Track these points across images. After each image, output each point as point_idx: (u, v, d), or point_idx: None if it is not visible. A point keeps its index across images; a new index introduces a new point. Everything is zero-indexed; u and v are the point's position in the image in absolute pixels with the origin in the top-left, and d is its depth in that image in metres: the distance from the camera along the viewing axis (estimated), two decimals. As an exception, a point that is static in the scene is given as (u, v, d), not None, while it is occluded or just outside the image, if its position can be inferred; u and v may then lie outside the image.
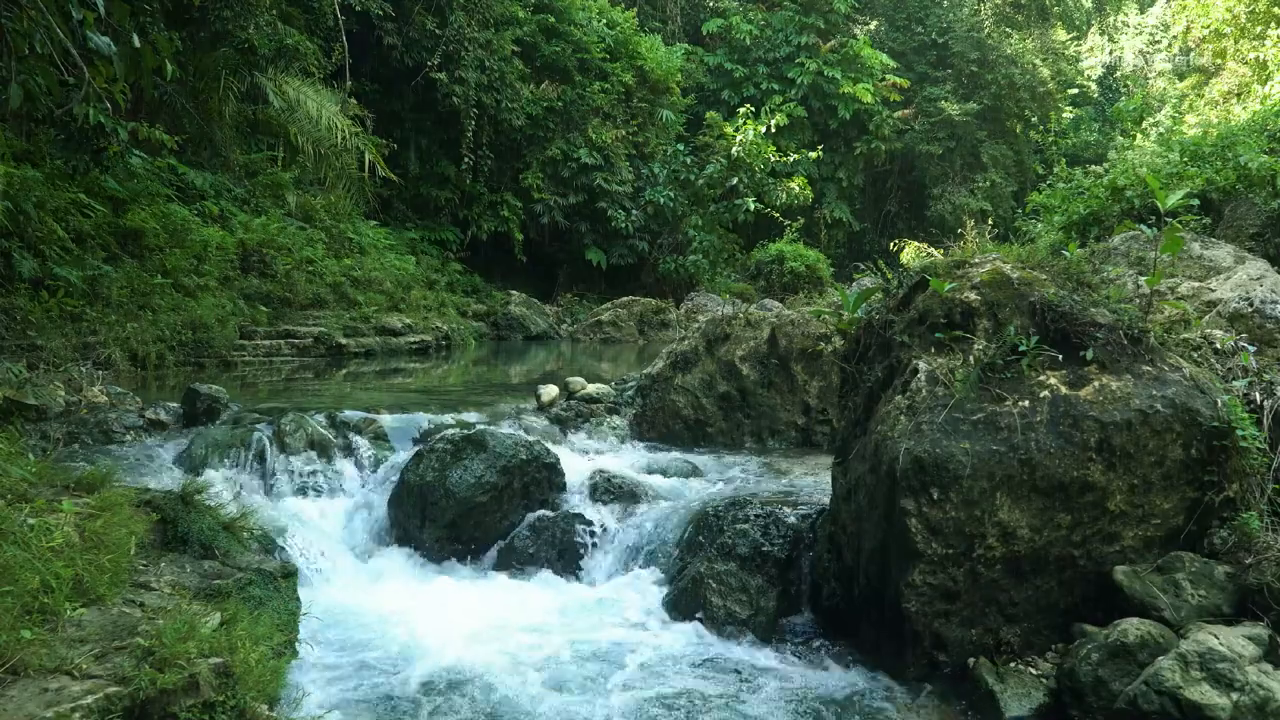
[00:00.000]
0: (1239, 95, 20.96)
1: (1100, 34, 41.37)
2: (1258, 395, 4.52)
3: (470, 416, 7.37)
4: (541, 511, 6.15)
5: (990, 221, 23.02)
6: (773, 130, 25.22)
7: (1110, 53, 40.46)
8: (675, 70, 24.07)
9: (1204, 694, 3.51)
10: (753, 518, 5.40)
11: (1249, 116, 14.67)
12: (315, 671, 4.26)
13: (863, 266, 6.84)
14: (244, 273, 12.06)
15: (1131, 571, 4.12)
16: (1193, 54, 24.86)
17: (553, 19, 21.25)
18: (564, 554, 5.85)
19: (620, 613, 5.20)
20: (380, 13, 17.33)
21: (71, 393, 7.05)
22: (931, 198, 31.48)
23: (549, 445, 6.72)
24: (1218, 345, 4.83)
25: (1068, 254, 4.94)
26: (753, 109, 24.83)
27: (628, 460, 7.23)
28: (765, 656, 4.64)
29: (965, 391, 4.32)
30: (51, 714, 2.77)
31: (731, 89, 30.22)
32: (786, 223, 23.72)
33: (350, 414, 7.04)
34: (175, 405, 7.04)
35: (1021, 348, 4.38)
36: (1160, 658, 3.69)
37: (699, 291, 20.75)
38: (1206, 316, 5.48)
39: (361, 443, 6.75)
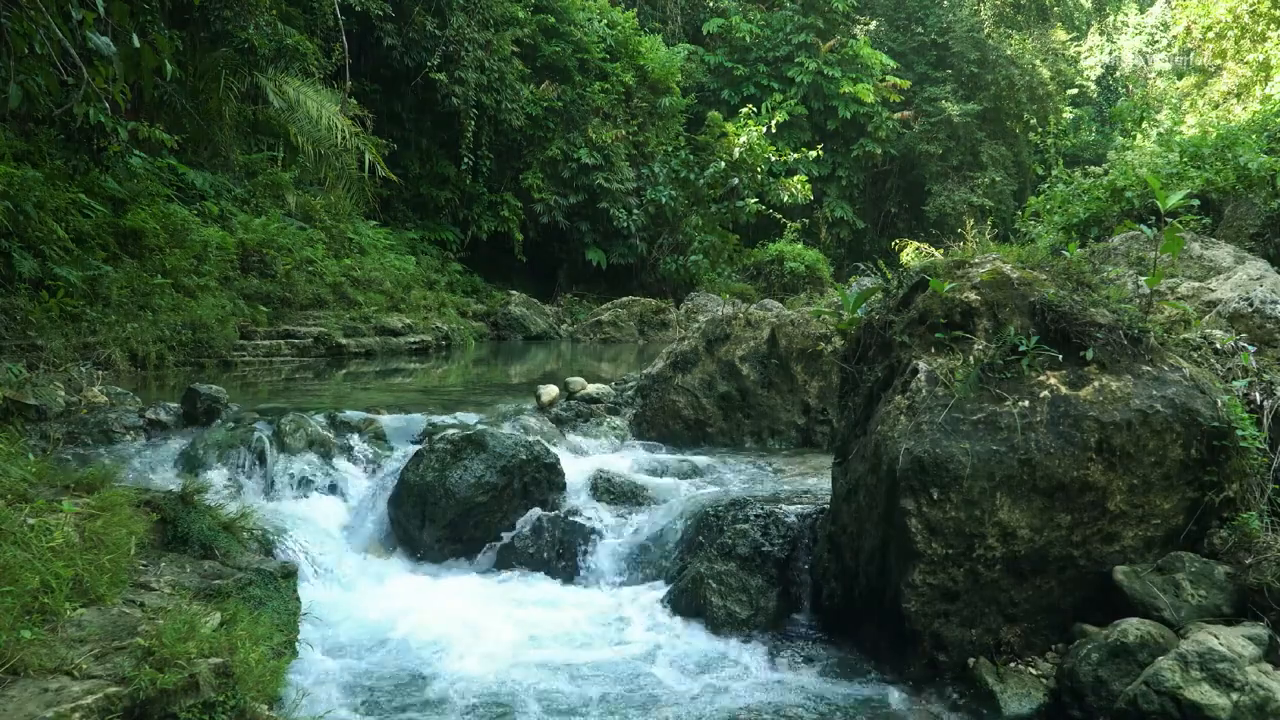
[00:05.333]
0: (1239, 95, 20.96)
1: (1100, 34, 41.37)
2: (1258, 395, 4.52)
3: (470, 416, 7.37)
4: (541, 512, 6.14)
5: (990, 221, 23.05)
6: (773, 129, 25.25)
7: (1110, 53, 40.44)
8: (675, 70, 24.08)
9: (1204, 694, 3.51)
10: (753, 518, 5.40)
11: (1249, 116, 14.67)
12: (315, 671, 4.26)
13: (863, 266, 6.85)
14: (244, 273, 12.05)
15: (1131, 571, 4.12)
16: (1193, 54, 24.86)
17: (553, 19, 21.25)
18: (564, 554, 5.85)
19: (620, 613, 5.21)
20: (380, 13, 17.33)
21: (71, 393, 7.05)
22: (931, 196, 31.49)
23: (549, 445, 6.72)
24: (1218, 345, 4.83)
25: (1068, 254, 4.94)
26: (754, 109, 24.85)
27: (628, 460, 7.23)
28: (765, 657, 4.64)
29: (965, 391, 4.32)
30: (51, 714, 2.77)
31: (731, 89, 30.24)
32: (787, 222, 23.74)
33: (350, 414, 7.03)
34: (175, 405, 7.04)
35: (1021, 348, 4.38)
36: (1160, 658, 3.69)
37: (699, 291, 20.76)
38: (1206, 316, 5.48)
39: (361, 443, 6.74)
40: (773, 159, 22.82)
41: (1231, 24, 21.37)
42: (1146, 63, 36.78)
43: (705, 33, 30.95)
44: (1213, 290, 6.24)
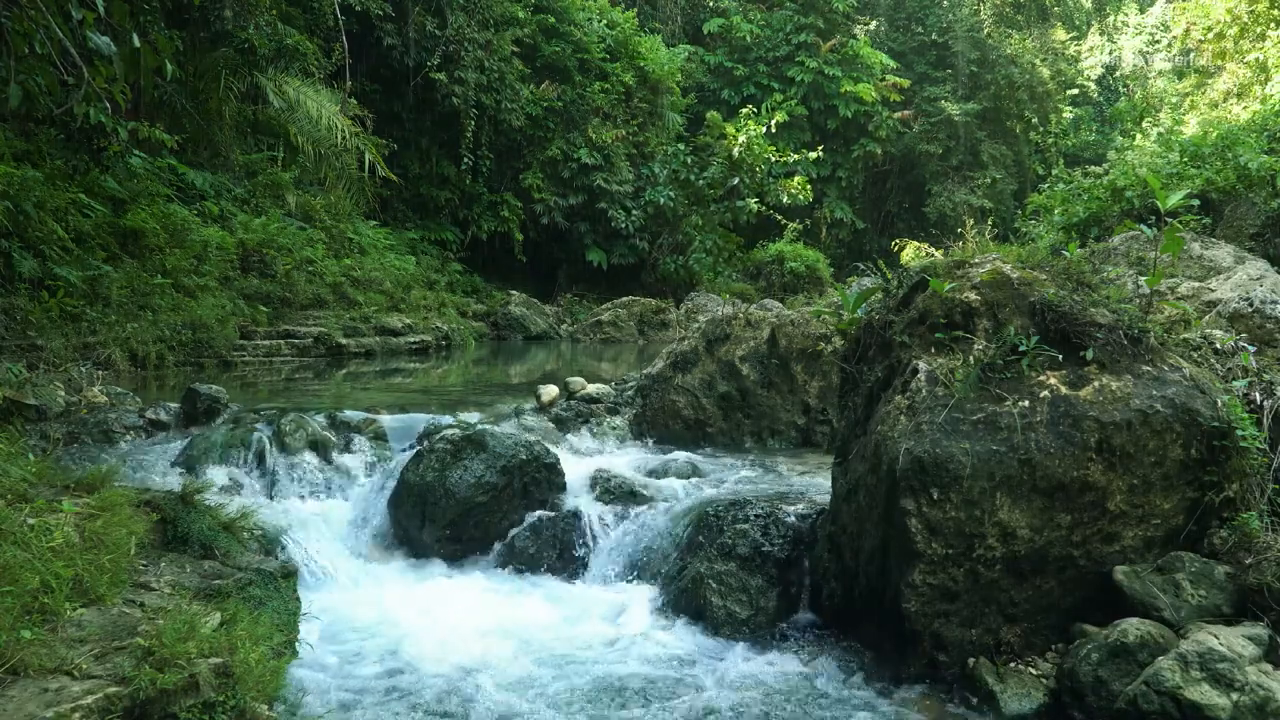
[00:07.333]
0: (1239, 95, 20.95)
1: (1100, 34, 41.38)
2: (1258, 395, 4.52)
3: (470, 416, 7.37)
4: (541, 512, 6.15)
5: (990, 221, 23.04)
6: (773, 130, 25.25)
7: (1110, 53, 40.45)
8: (675, 70, 24.09)
9: (1204, 694, 3.51)
10: (753, 518, 5.40)
11: (1249, 116, 14.67)
12: (315, 671, 4.26)
13: (862, 266, 6.85)
14: (244, 273, 12.06)
15: (1131, 571, 4.12)
16: (1193, 54, 24.86)
17: (553, 19, 21.25)
18: (564, 554, 5.85)
19: (620, 613, 5.20)
20: (380, 13, 17.34)
21: (71, 393, 7.05)
22: (931, 196, 31.50)
23: (549, 445, 6.72)
24: (1218, 345, 4.83)
25: (1068, 254, 4.94)
26: (754, 109, 24.86)
27: (628, 460, 7.23)
28: (765, 657, 4.64)
29: (965, 391, 4.32)
30: (51, 714, 2.77)
31: (731, 89, 30.27)
32: (787, 223, 23.73)
33: (350, 414, 7.03)
34: (175, 405, 7.04)
35: (1021, 348, 4.38)
36: (1160, 658, 3.69)
37: (699, 291, 20.76)
38: (1206, 316, 5.48)
39: (361, 443, 6.74)
40: (773, 159, 22.82)
41: (1231, 24, 21.37)
42: (1147, 63, 36.76)
43: (705, 33, 30.97)
44: (1213, 290, 6.24)
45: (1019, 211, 22.73)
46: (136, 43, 4.40)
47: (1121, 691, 3.70)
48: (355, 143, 15.86)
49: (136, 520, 4.29)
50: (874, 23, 34.30)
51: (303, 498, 6.21)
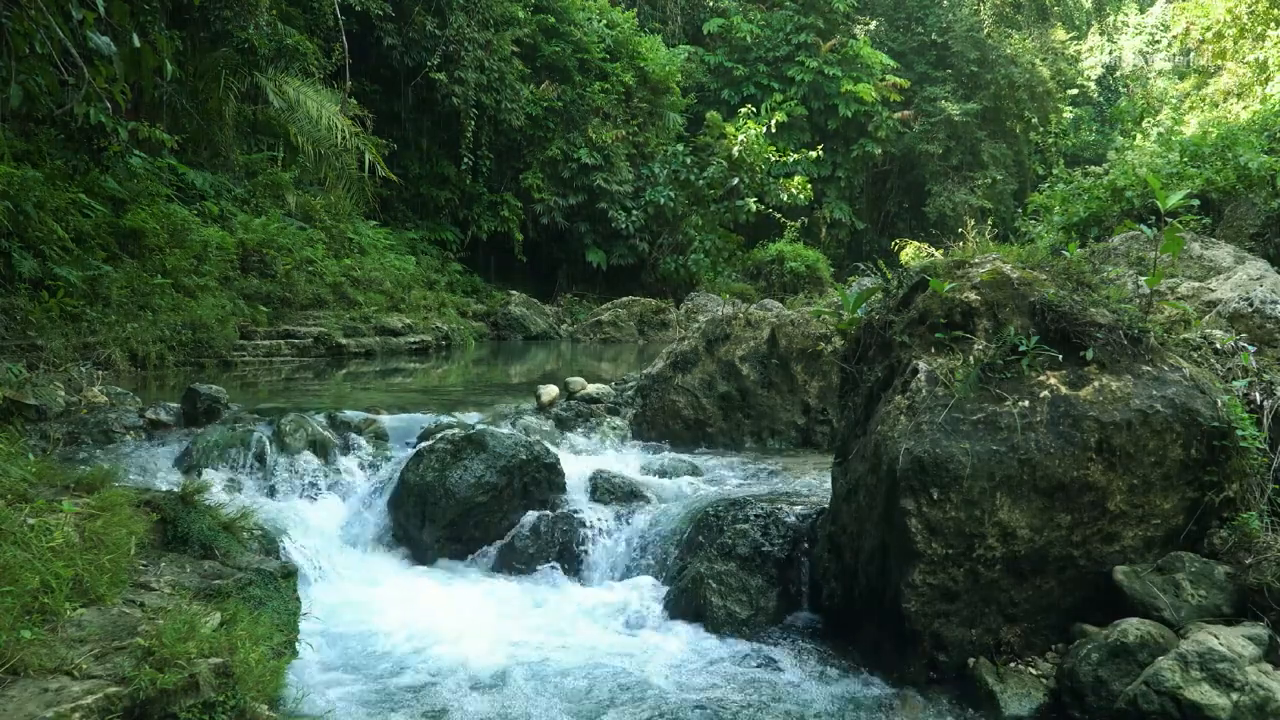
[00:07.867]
0: (1239, 95, 20.95)
1: (1100, 34, 41.39)
2: (1258, 395, 4.52)
3: (470, 416, 7.37)
4: (541, 512, 6.14)
5: (990, 221, 23.07)
6: (773, 130, 25.27)
7: (1110, 53, 40.46)
8: (675, 70, 24.10)
9: (1204, 694, 3.51)
10: (753, 518, 5.40)
11: (1249, 116, 14.67)
12: (315, 671, 4.26)
13: (862, 266, 6.84)
14: (244, 273, 12.06)
15: (1131, 571, 4.12)
16: (1193, 54, 24.86)
17: (553, 19, 21.26)
18: (564, 554, 5.85)
19: (620, 613, 5.20)
20: (380, 13, 17.34)
21: (71, 393, 7.05)
22: (931, 196, 31.50)
23: (549, 445, 6.72)
24: (1218, 345, 4.83)
25: (1068, 254, 4.94)
26: (754, 109, 24.87)
27: (628, 460, 7.23)
28: (765, 657, 4.64)
29: (965, 391, 4.32)
30: (51, 714, 2.77)
31: (731, 88, 30.28)
32: (787, 223, 23.73)
33: (350, 414, 7.03)
34: (175, 405, 7.04)
35: (1021, 348, 4.38)
36: (1160, 658, 3.69)
37: (699, 291, 20.77)
38: (1206, 316, 5.48)
39: (361, 443, 6.74)
40: (772, 159, 22.83)
41: (1231, 24, 21.37)
42: (1147, 63, 36.76)
43: (705, 33, 30.98)
44: (1213, 290, 6.24)
45: (1019, 211, 22.77)
46: (136, 43, 4.40)
47: (1121, 691, 3.70)
48: (355, 143, 15.87)
49: (136, 520, 4.29)
50: (874, 23, 34.30)
51: (303, 498, 6.21)
